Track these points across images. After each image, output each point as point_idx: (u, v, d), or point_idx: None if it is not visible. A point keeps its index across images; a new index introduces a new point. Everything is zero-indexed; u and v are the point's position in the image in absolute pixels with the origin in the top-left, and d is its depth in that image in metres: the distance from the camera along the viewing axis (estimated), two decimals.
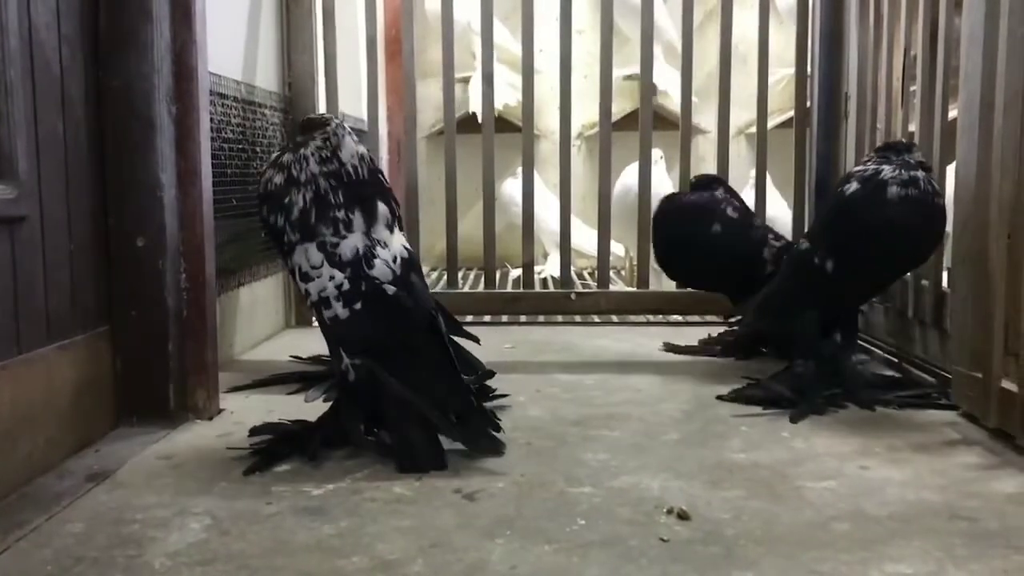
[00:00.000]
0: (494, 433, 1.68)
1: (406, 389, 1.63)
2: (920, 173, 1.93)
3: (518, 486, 1.49)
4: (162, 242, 1.78)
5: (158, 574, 1.18)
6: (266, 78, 2.72)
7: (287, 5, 2.89)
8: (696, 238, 2.47)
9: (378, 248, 1.67)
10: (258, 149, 2.60)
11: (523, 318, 3.09)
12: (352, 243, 1.65)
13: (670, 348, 2.60)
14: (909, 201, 1.91)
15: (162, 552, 1.24)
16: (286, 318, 2.92)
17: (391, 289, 1.66)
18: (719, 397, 2.02)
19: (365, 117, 3.04)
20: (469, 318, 2.96)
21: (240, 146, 2.48)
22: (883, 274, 2.09)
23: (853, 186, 1.97)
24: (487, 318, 3.06)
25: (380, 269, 1.66)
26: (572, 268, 3.11)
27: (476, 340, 2.32)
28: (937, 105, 2.18)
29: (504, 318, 3.08)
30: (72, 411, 1.63)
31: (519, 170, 3.99)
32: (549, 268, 4.03)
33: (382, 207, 1.70)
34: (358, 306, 1.64)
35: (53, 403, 1.57)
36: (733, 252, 2.45)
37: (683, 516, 1.35)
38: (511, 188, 4.04)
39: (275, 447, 1.65)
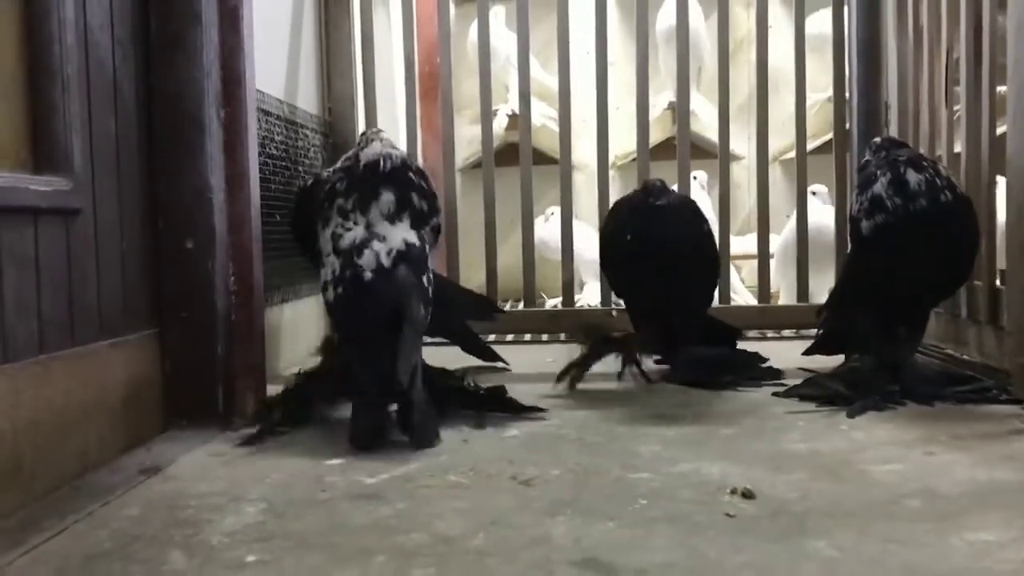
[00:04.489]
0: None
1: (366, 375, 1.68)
2: (879, 186, 1.90)
3: (573, 473, 1.46)
4: (211, 244, 1.79)
5: (216, 550, 1.16)
6: (307, 100, 2.75)
7: (327, 29, 2.93)
8: (700, 238, 2.24)
9: (375, 242, 1.72)
10: (300, 168, 2.61)
11: (563, 336, 3.06)
12: (353, 234, 1.74)
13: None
14: (882, 228, 1.90)
15: (219, 531, 1.22)
16: None
17: (368, 275, 1.70)
18: (774, 394, 1.98)
19: (404, 150, 3.06)
20: (509, 337, 2.94)
21: (283, 163, 2.49)
22: (922, 281, 1.97)
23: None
24: (527, 337, 3.03)
25: (367, 259, 1.71)
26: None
27: (503, 361, 2.32)
28: (984, 106, 2.14)
29: (544, 337, 3.05)
30: (123, 410, 1.62)
31: (549, 211, 3.99)
32: (587, 297, 4.00)
33: (385, 197, 1.76)
34: (340, 290, 1.72)
35: (105, 400, 1.57)
36: (710, 256, 2.32)
37: (748, 495, 1.31)
38: (543, 231, 3.94)
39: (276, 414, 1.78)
